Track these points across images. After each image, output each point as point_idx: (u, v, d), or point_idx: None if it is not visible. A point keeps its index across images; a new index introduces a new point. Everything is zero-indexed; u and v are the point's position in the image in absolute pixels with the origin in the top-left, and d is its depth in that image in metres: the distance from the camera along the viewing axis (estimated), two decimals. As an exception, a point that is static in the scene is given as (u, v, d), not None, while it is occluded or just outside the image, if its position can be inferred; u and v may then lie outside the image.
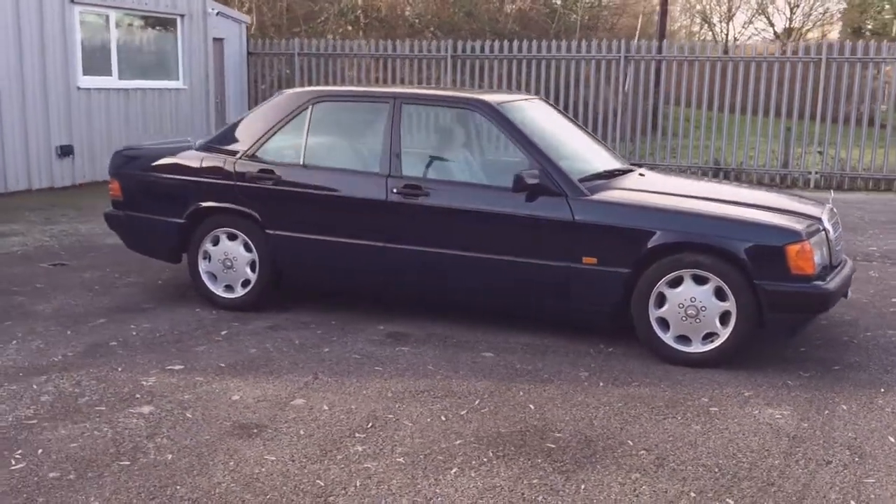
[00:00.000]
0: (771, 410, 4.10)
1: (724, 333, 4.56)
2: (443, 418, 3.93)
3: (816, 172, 13.04)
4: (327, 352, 4.80)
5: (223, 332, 5.11)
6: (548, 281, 4.82)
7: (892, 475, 3.46)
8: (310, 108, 5.37)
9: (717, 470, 3.47)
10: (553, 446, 3.66)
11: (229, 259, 5.44)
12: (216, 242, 5.49)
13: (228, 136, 5.58)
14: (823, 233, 4.70)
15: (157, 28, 12.82)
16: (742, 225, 4.58)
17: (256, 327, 5.21)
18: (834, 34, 37.84)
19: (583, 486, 3.32)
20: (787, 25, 36.26)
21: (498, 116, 5.04)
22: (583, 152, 5.35)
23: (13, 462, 3.43)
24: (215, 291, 5.53)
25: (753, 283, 4.47)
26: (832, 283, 4.54)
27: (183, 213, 5.50)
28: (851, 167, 13.00)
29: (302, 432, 3.75)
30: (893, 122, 12.78)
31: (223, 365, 4.57)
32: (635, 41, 14.07)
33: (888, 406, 4.18)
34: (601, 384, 4.40)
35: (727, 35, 39.17)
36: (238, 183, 5.36)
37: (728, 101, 13.39)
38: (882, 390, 4.39)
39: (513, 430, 3.81)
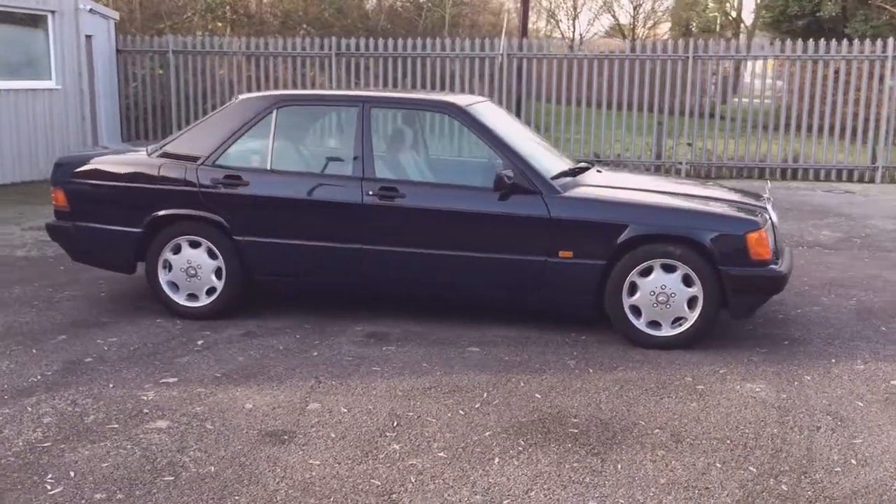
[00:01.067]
0: (749, 385, 4.48)
1: (692, 317, 4.92)
2: (461, 412, 4.07)
3: (687, 163, 13.89)
4: (316, 356, 4.84)
5: (199, 343, 5.05)
6: (526, 275, 5.04)
7: (874, 434, 3.88)
8: (274, 112, 5.36)
9: (728, 442, 3.80)
10: (576, 431, 3.89)
11: (193, 267, 5.36)
12: (177, 251, 5.39)
13: (184, 142, 5.48)
14: (770, 221, 5.14)
15: (27, 25, 12.16)
16: (707, 217, 4.96)
17: (231, 335, 5.17)
18: (665, 33, 40.06)
19: (619, 466, 3.56)
20: (631, 23, 38.04)
21: (469, 118, 5.21)
22: (541, 151, 5.60)
23: (48, 486, 3.33)
24: (178, 301, 5.43)
25: (718, 270, 4.84)
26: (784, 266, 4.98)
27: (140, 222, 5.37)
28: (717, 157, 13.92)
29: (333, 435, 3.81)
30: (752, 116, 13.79)
31: (218, 375, 4.53)
32: (502, 39, 14.46)
33: (844, 374, 4.66)
34: (590, 371, 4.66)
35: (574, 32, 40.78)
36: (202, 189, 5.29)
37: (597, 97, 14.01)
38: (833, 360, 4.87)
39: (532, 419, 4.01)
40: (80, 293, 6.07)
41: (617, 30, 39.34)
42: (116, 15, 15.88)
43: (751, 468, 3.55)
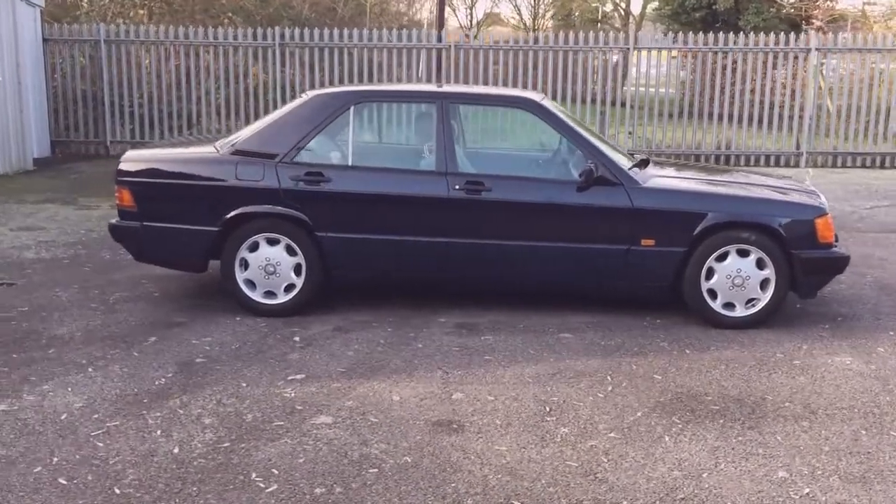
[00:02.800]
0: (837, 358, 4.88)
1: (765, 298, 5.29)
2: (600, 395, 4.30)
3: (629, 150, 14.44)
4: (422, 347, 4.95)
5: (296, 339, 5.07)
6: (610, 263, 5.29)
7: (970, 398, 4.33)
8: (351, 109, 5.41)
9: (859, 409, 4.16)
10: (716, 408, 4.17)
11: (272, 265, 5.36)
12: (254, 248, 5.38)
13: (257, 139, 5.45)
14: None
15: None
16: (779, 204, 5.34)
17: (322, 331, 5.21)
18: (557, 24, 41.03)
19: (778, 437, 3.86)
20: (532, 15, 38.74)
21: (545, 113, 5.41)
22: (606, 144, 5.85)
23: (262, 485, 3.37)
24: (256, 298, 5.43)
25: (789, 253, 5.22)
26: (843, 248, 5.42)
27: (217, 221, 5.33)
28: (657, 145, 14.55)
29: (498, 422, 3.96)
30: (687, 105, 14.48)
31: (342, 370, 4.59)
32: (424, 29, 14.69)
33: (908, 346, 5.11)
34: (687, 352, 4.96)
35: (472, 22, 41.20)
36: (283, 187, 5.29)
37: (542, 88, 14.35)
38: (891, 332, 5.34)
39: (669, 399, 4.27)
40: (130, 294, 5.95)
41: (518, 20, 39.99)
42: (42, 2, 15.16)
43: (893, 433, 3.91)
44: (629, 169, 5.39)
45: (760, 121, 14.44)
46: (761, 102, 14.34)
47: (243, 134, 5.60)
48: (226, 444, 3.69)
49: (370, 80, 14.57)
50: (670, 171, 5.75)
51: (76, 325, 5.25)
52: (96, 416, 3.96)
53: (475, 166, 5.45)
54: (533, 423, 3.95)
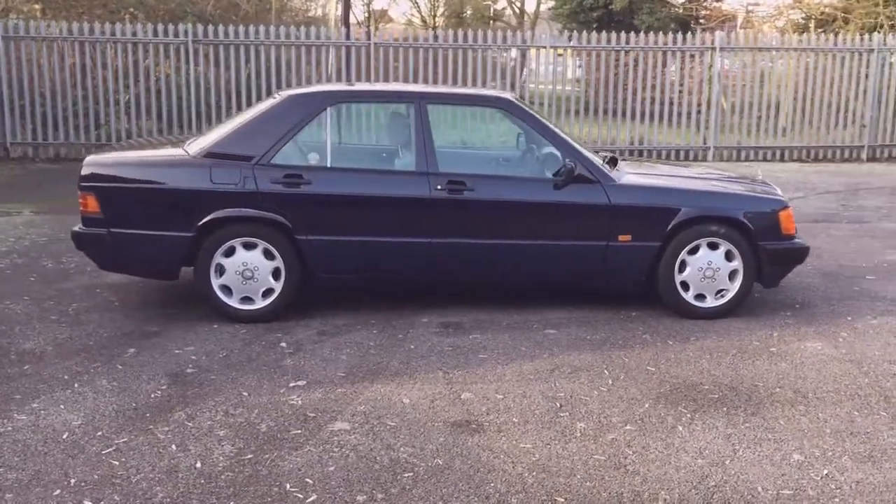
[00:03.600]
0: (809, 344, 5.13)
1: (734, 289, 5.52)
2: (604, 389, 4.40)
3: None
4: (414, 348, 4.95)
5: (283, 345, 4.99)
6: (589, 259, 5.41)
7: (938, 377, 4.63)
8: (328, 109, 5.35)
9: (844, 392, 4.39)
10: (715, 396, 4.33)
11: (249, 269, 5.25)
12: (230, 253, 5.25)
13: (230, 141, 5.32)
14: (782, 200, 5.84)
15: None
16: (747, 198, 5.57)
17: (307, 336, 5.14)
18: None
19: (781, 422, 4.04)
20: (430, 12, 38.77)
21: (521, 112, 5.49)
22: (577, 142, 5.96)
23: (300, 495, 3.32)
24: (232, 305, 5.30)
25: (755, 245, 5.46)
26: (802, 239, 5.69)
27: (192, 226, 5.18)
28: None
29: (515, 420, 4.01)
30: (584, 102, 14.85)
31: (342, 374, 4.55)
32: (333, 26, 14.56)
33: (868, 329, 5.44)
34: (670, 342, 5.13)
35: (369, 18, 40.91)
36: (261, 190, 5.19)
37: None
38: (849, 318, 5.66)
39: (670, 390, 4.40)
40: (90, 304, 5.71)
41: (417, 17, 39.99)
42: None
43: (882, 413, 4.15)
44: (601, 166, 5.50)
45: (669, 117, 14.92)
46: (671, 100, 14.82)
47: (214, 136, 5.45)
48: (248, 456, 3.60)
49: (279, 78, 14.26)
50: (640, 169, 5.91)
51: (43, 339, 5.00)
52: (100, 433, 3.80)
53: (454, 166, 5.46)
54: (549, 420, 4.00)
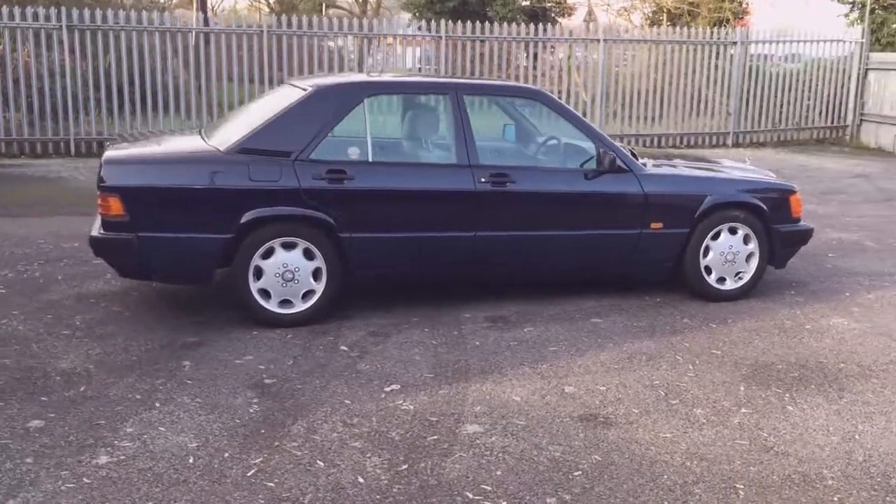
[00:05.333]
0: (833, 320, 5.47)
1: (750, 271, 5.79)
2: (691, 374, 4.51)
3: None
4: (479, 345, 4.88)
5: (343, 348, 4.79)
6: (624, 247, 5.52)
7: (961, 344, 5.07)
8: (364, 101, 5.16)
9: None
10: (795, 375, 4.54)
11: (290, 271, 4.99)
12: (268, 255, 4.98)
13: (264, 136, 5.01)
14: (779, 186, 6.18)
15: None
16: (763, 184, 5.85)
17: (360, 338, 4.95)
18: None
19: (869, 395, 4.30)
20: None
21: (554, 104, 5.50)
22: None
23: (498, 498, 3.23)
24: (272, 309, 5.02)
25: (769, 229, 5.75)
26: (807, 222, 6.05)
27: (230, 226, 4.87)
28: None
29: (636, 411, 4.05)
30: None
31: (430, 375, 4.42)
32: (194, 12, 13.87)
33: (874, 303, 5.85)
34: (713, 325, 5.32)
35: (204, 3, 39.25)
36: (304, 187, 4.94)
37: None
38: (847, 294, 6.06)
39: (751, 372, 4.57)
40: (96, 316, 5.24)
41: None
42: None
43: (939, 380, 4.50)
44: (632, 157, 5.61)
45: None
46: (560, 91, 15.14)
47: (241, 129, 5.12)
48: (403, 467, 3.46)
49: (141, 65, 13.22)
50: (660, 160, 6.05)
51: (76, 357, 4.56)
52: (227, 454, 3.53)
53: (493, 158, 5.40)
54: (665, 408, 4.06)
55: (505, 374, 4.43)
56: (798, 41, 16.48)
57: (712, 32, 15.94)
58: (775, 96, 15.93)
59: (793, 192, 5.84)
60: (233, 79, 13.38)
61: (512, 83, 5.82)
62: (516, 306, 5.53)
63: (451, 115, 5.24)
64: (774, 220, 5.74)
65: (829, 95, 16.55)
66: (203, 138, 5.25)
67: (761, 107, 15.91)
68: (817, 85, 16.27)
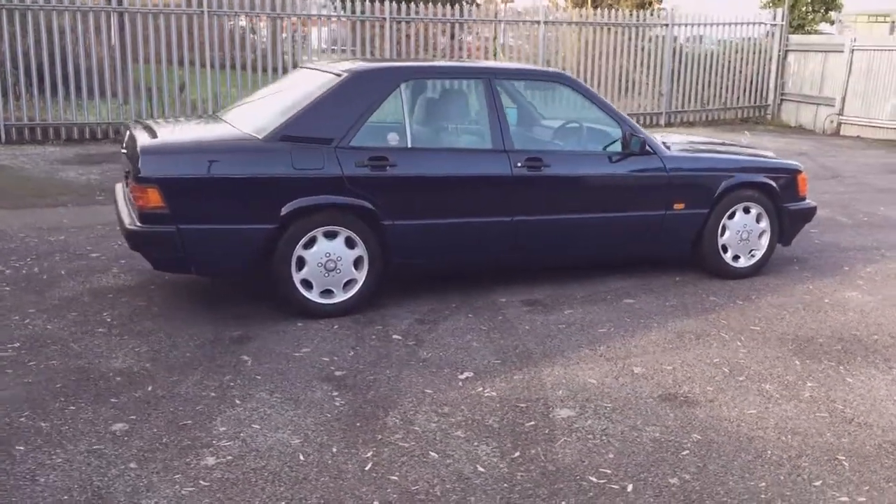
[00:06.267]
0: (847, 294, 5.72)
1: (762, 249, 6.00)
2: (743, 351, 4.65)
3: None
4: (530, 329, 4.91)
5: (395, 337, 4.75)
6: (650, 228, 5.63)
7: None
8: (401, 87, 5.10)
9: (928, 334, 4.98)
10: (838, 348, 4.74)
11: (332, 260, 4.92)
12: (310, 244, 4.90)
13: (305, 121, 4.90)
14: (779, 165, 6.40)
15: None
16: (774, 164, 6.04)
17: (409, 327, 4.91)
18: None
19: (912, 365, 4.53)
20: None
21: (582, 87, 5.55)
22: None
23: (615, 486, 3.29)
24: (315, 300, 4.94)
25: (780, 207, 5.96)
26: (811, 200, 6.30)
27: (275, 216, 4.76)
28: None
29: (711, 389, 4.15)
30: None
31: (497, 361, 4.44)
32: None
33: (875, 276, 6.13)
34: (739, 302, 5.49)
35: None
36: (347, 174, 4.87)
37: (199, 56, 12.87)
38: (845, 268, 6.34)
39: (799, 347, 4.73)
40: (123, 311, 5.05)
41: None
42: None
43: (972, 348, 4.77)
44: (655, 139, 5.72)
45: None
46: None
47: (275, 116, 4.99)
48: (516, 454, 3.49)
49: (51, 47, 12.50)
50: (676, 140, 6.17)
51: (125, 355, 4.39)
52: (334, 448, 3.48)
53: (526, 143, 5.42)
54: (736, 385, 4.19)
55: (568, 357, 4.47)
56: (723, 24, 17.00)
57: (646, 15, 16.27)
58: (703, 77, 16.39)
59: (799, 171, 6.06)
60: (149, 60, 12.78)
61: (539, 68, 5.84)
62: (546, 290, 5.57)
63: (484, 99, 5.23)
64: (784, 199, 5.94)
65: (751, 76, 17.15)
66: (231, 125, 5.08)
67: (690, 88, 16.36)
68: (740, 66, 16.83)
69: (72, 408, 3.75)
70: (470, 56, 15.48)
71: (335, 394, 3.97)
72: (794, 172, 6.04)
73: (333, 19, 14.34)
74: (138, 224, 4.63)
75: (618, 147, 5.49)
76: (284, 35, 14.24)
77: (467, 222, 5.13)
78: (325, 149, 4.81)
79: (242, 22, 13.93)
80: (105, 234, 6.77)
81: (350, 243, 4.92)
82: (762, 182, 5.85)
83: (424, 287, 5.48)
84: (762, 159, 6.13)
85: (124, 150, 5.16)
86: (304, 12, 13.94)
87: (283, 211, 4.71)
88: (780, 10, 17.75)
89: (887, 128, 15.73)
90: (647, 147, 5.50)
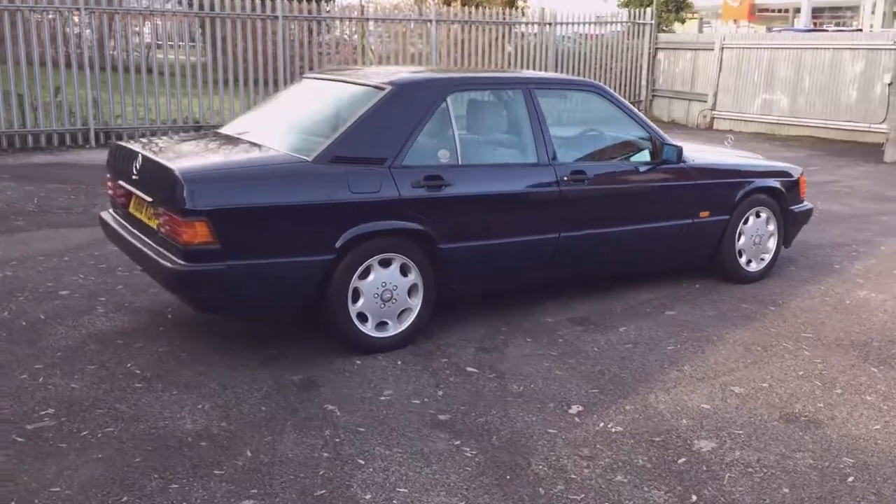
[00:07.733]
0: (861, 293, 5.88)
1: (771, 252, 6.09)
2: (817, 362, 4.65)
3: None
4: (598, 351, 4.73)
5: (469, 369, 4.45)
6: (679, 237, 5.58)
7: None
8: (448, 100, 4.77)
9: (962, 332, 5.18)
10: (878, 345, 4.84)
11: (388, 290, 4.56)
12: (365, 274, 4.51)
13: (355, 141, 4.48)
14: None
15: None
16: (781, 169, 6.13)
17: (473, 357, 4.61)
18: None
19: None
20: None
21: (611, 96, 5.41)
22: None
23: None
24: (371, 334, 4.55)
25: (785, 210, 6.07)
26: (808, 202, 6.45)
27: (331, 247, 4.34)
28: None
29: (821, 405, 4.11)
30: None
31: (595, 390, 4.22)
32: None
33: (870, 274, 6.35)
34: (772, 308, 5.53)
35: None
36: (404, 196, 4.50)
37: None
38: (837, 267, 6.54)
39: (857, 353, 4.77)
40: (142, 361, 4.48)
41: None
42: None
43: None
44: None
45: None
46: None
47: (316, 135, 4.55)
48: (693, 498, 3.28)
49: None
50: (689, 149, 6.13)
51: (189, 415, 3.86)
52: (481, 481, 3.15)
53: (570, 154, 5.19)
54: (841, 400, 4.17)
55: (660, 380, 4.33)
56: (599, 22, 17.49)
57: (528, 14, 16.51)
58: (581, 74, 16.74)
59: (801, 174, 6.17)
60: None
61: (571, 77, 5.62)
62: (584, 306, 5.41)
63: (526, 111, 4.98)
64: (790, 202, 6.03)
65: (624, 73, 17.70)
66: (265, 145, 4.60)
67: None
68: (611, 64, 17.32)
69: (174, 486, 3.23)
70: (328, 54, 14.95)
71: (457, 442, 3.63)
72: (797, 176, 6.13)
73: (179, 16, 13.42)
74: (182, 263, 4.06)
75: (646, 156, 5.37)
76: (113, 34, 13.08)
77: (521, 241, 4.89)
78: (380, 170, 4.40)
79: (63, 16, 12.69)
80: (54, 265, 6.06)
81: (404, 270, 4.54)
82: (773, 187, 5.91)
83: (458, 311, 5.17)
84: (770, 164, 6.21)
85: (136, 177, 4.54)
86: (139, 8, 12.78)
87: (341, 240, 4.27)
88: (649, 10, 18.37)
89: (757, 121, 16.62)
90: (678, 157, 5.41)
